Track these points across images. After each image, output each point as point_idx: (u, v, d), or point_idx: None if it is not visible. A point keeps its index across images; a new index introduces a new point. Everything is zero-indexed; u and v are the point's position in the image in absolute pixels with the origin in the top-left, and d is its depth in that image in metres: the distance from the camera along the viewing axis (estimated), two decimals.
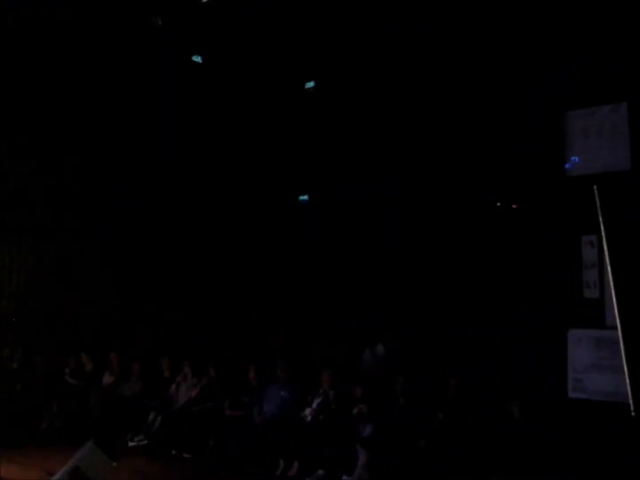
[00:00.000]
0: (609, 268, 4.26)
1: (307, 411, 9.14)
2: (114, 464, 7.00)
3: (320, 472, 8.39)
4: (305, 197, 11.68)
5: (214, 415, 9.77)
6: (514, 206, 9.20)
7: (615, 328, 4.66)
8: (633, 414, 4.05)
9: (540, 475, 6.79)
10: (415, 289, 9.58)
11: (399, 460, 7.98)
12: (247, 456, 9.04)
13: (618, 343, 4.55)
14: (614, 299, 4.23)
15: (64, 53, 10.83)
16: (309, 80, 11.18)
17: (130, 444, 9.95)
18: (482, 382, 8.00)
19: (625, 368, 4.09)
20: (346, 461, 8.27)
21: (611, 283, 4.24)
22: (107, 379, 11.00)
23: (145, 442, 9.99)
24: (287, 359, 9.93)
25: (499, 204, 9.09)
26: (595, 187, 4.33)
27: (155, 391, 10.57)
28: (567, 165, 7.01)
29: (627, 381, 4.06)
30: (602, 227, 4.28)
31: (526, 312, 7.81)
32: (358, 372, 9.72)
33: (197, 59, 12.16)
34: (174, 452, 9.64)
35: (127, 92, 11.17)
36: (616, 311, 4.20)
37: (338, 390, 9.14)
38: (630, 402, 4.05)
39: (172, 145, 11.86)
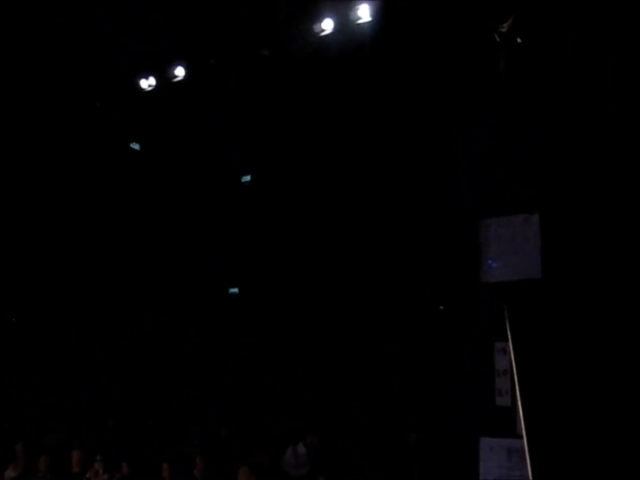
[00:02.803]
0: (515, 376, 4.29)
1: None
2: None
3: None
4: None
5: None
6: (441, 307, 9.33)
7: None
8: None
9: None
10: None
11: None
12: None
13: None
14: (520, 408, 4.24)
15: None
16: None
17: None
18: None
19: (530, 478, 4.07)
20: None
21: (517, 392, 4.27)
22: (10, 473, 10.34)
23: None
24: (205, 456, 9.59)
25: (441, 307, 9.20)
26: (503, 296, 4.41)
27: None
28: (481, 272, 7.18)
29: None
30: (509, 335, 4.34)
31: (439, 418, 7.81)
32: (280, 472, 9.44)
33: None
34: None
35: None
36: (522, 420, 4.21)
37: None
38: None
39: None
